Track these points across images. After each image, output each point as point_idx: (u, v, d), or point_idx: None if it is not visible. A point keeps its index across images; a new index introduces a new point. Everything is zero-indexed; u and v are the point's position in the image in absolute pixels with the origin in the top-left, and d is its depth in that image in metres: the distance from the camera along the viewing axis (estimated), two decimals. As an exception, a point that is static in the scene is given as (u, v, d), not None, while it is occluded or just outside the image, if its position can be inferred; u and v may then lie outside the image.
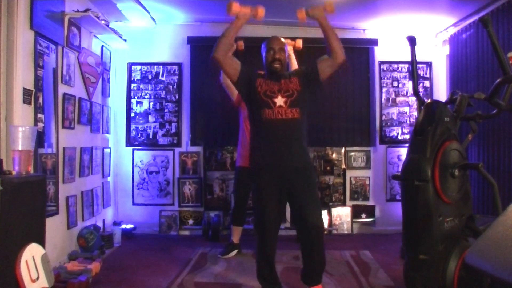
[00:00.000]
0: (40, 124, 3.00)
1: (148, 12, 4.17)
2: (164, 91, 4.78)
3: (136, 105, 4.77)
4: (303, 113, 2.57)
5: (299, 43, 3.47)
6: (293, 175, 2.54)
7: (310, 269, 2.62)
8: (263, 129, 2.57)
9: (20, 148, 2.31)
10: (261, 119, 2.54)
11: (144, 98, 4.78)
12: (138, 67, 4.79)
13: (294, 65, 3.40)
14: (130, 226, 4.48)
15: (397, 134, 4.88)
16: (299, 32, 4.69)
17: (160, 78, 4.78)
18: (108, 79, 4.45)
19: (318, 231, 2.53)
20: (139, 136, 4.77)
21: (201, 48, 4.70)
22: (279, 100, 2.52)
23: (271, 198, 2.57)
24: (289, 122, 2.52)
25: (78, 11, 3.48)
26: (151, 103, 4.77)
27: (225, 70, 2.62)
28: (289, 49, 3.41)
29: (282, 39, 2.72)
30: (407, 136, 4.79)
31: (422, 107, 2.60)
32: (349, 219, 4.75)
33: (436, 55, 4.89)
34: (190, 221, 4.72)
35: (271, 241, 2.63)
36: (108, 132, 4.48)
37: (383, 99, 4.88)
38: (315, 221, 2.51)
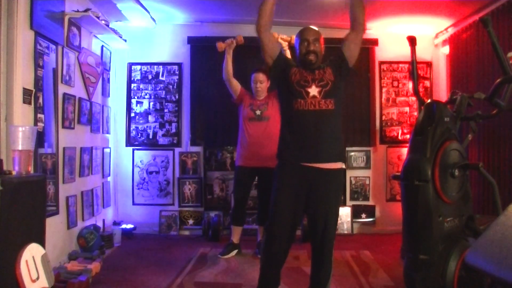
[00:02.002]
0: (40, 124, 3.00)
1: (148, 12, 4.17)
2: (164, 91, 4.78)
3: (136, 105, 4.77)
4: (338, 104, 2.41)
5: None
6: (318, 177, 2.36)
7: (316, 278, 2.48)
8: (294, 121, 2.39)
9: (20, 148, 2.30)
10: (292, 109, 2.38)
11: (144, 98, 4.78)
12: (138, 67, 4.78)
13: None
14: (130, 226, 4.48)
15: (397, 134, 4.88)
16: (299, 32, 4.70)
17: (160, 78, 4.78)
18: (108, 79, 4.45)
19: (330, 244, 2.40)
20: (139, 136, 4.77)
21: (201, 48, 4.71)
22: (313, 90, 2.36)
23: (290, 198, 2.37)
24: (323, 114, 2.35)
25: (78, 11, 3.48)
26: (151, 103, 4.77)
27: (263, 48, 2.44)
28: (285, 46, 3.42)
29: (316, 29, 2.52)
30: (407, 136, 4.78)
31: (422, 107, 2.60)
32: (349, 219, 4.75)
33: (436, 55, 4.89)
34: (190, 221, 4.72)
35: (280, 245, 2.39)
36: (108, 132, 4.47)
37: (383, 99, 4.88)
38: (330, 234, 2.38)
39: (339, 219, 4.61)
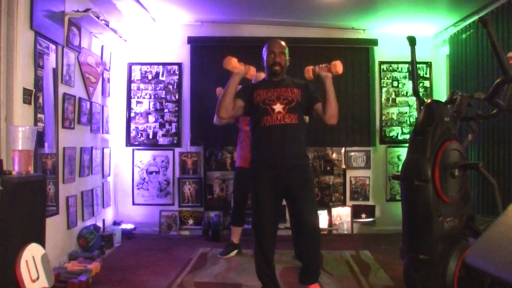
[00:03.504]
0: (40, 124, 3.00)
1: (148, 12, 4.17)
2: (164, 91, 4.78)
3: (136, 105, 4.77)
4: (301, 119, 2.67)
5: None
6: (289, 174, 2.58)
7: (306, 268, 2.67)
8: (263, 134, 2.63)
9: (20, 148, 2.31)
10: (260, 125, 2.62)
11: (144, 98, 4.78)
12: (138, 67, 4.79)
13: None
14: (130, 226, 4.48)
15: (397, 134, 4.88)
16: (299, 32, 4.71)
17: (160, 78, 4.78)
18: (108, 79, 4.45)
19: (313, 230, 2.57)
20: (139, 136, 4.77)
21: (201, 48, 4.71)
22: (278, 107, 2.59)
23: (268, 197, 2.61)
24: (287, 127, 2.59)
25: (78, 11, 3.48)
26: (151, 103, 4.77)
27: (235, 117, 2.88)
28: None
29: (283, 43, 2.74)
30: (407, 136, 4.79)
31: (422, 107, 2.60)
32: (349, 219, 4.76)
33: (436, 55, 4.89)
34: (190, 221, 4.72)
35: (268, 239, 2.64)
36: (108, 132, 4.47)
37: (383, 99, 4.89)
38: (310, 221, 2.55)
39: (339, 219, 4.71)
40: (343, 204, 4.80)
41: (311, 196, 2.65)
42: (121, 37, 4.25)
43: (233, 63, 2.62)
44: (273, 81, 2.70)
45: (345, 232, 4.73)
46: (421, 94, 4.68)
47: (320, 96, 2.67)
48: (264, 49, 2.75)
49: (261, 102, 2.62)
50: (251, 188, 2.73)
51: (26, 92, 2.78)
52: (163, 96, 4.78)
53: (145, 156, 4.76)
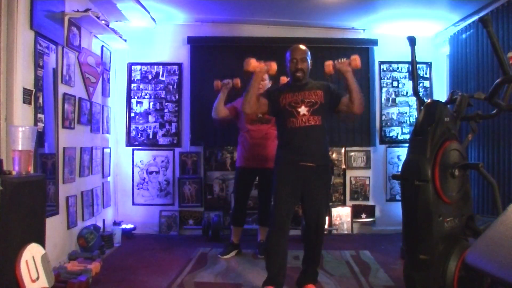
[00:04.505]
0: (40, 124, 3.00)
1: (148, 12, 4.17)
2: (164, 91, 4.78)
3: (136, 105, 4.77)
4: (324, 121, 2.80)
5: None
6: (310, 173, 2.75)
7: (305, 266, 2.84)
8: (289, 136, 2.80)
9: (20, 148, 2.31)
10: (286, 127, 2.79)
11: (144, 98, 4.78)
12: (138, 67, 4.79)
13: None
14: (130, 226, 4.48)
15: (397, 134, 4.88)
16: (299, 32, 4.71)
17: (160, 78, 4.78)
18: (108, 79, 4.45)
19: (318, 227, 2.79)
20: (139, 136, 4.77)
21: (201, 48, 4.71)
22: (303, 109, 2.75)
23: (289, 188, 2.75)
24: (311, 128, 2.75)
25: (78, 11, 3.48)
26: (151, 103, 4.78)
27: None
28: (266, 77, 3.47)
29: (304, 48, 2.85)
30: (407, 136, 4.79)
31: (422, 107, 2.60)
32: (349, 219, 4.76)
33: (436, 55, 4.89)
34: (190, 221, 4.72)
35: (284, 230, 2.75)
36: (108, 132, 4.47)
37: (383, 99, 4.89)
38: (317, 217, 2.77)
39: (339, 219, 4.71)
40: (343, 204, 4.80)
41: (324, 196, 2.87)
42: (121, 37, 4.25)
43: (253, 64, 2.72)
44: (297, 85, 2.83)
45: (345, 232, 4.73)
46: (421, 94, 4.68)
47: (342, 91, 2.80)
48: (287, 55, 2.86)
49: (287, 105, 2.78)
50: (274, 182, 2.83)
51: (26, 92, 2.78)
52: (163, 96, 4.78)
53: (145, 156, 4.76)
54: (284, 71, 2.96)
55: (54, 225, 3.17)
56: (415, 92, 2.92)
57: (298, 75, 2.80)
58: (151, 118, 4.78)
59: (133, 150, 4.76)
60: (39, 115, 2.98)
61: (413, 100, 4.85)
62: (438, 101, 2.63)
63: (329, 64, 2.73)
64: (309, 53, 2.86)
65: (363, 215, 4.81)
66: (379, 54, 4.86)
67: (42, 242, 2.35)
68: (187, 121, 4.76)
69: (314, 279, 2.86)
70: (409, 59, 2.87)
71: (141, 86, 4.78)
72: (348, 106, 2.76)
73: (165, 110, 4.78)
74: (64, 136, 3.41)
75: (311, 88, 2.82)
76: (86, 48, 3.80)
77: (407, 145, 2.62)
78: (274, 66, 2.78)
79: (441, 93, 4.80)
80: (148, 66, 4.78)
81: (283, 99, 2.81)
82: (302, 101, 2.76)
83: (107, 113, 4.41)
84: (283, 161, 2.82)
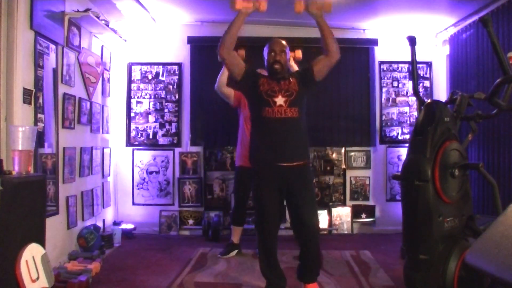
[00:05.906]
0: (40, 124, 3.00)
1: (148, 12, 4.17)
2: (164, 91, 4.78)
3: (136, 105, 4.77)
4: (302, 112, 2.69)
5: (299, 53, 3.54)
6: (290, 174, 2.63)
7: (305, 267, 2.73)
8: (263, 127, 2.67)
9: (20, 148, 2.31)
10: (260, 116, 2.65)
11: (144, 98, 4.78)
12: (138, 67, 4.79)
13: None
14: (130, 226, 4.48)
15: (397, 134, 4.88)
16: (299, 32, 4.70)
17: (160, 78, 4.78)
18: (108, 79, 4.45)
19: (313, 230, 2.64)
20: (139, 136, 4.77)
21: (201, 48, 4.71)
22: (279, 100, 2.62)
23: (271, 196, 2.66)
24: (288, 121, 2.62)
25: (78, 11, 3.48)
26: (151, 103, 4.78)
27: (229, 68, 2.74)
28: (290, 60, 3.41)
29: (283, 42, 2.81)
30: (407, 136, 4.79)
31: (422, 107, 2.60)
32: (349, 219, 4.76)
33: (436, 55, 4.89)
34: (190, 221, 4.72)
35: (272, 237, 2.70)
36: (108, 132, 4.47)
37: (383, 99, 4.89)
38: (310, 220, 2.63)
39: (339, 219, 4.71)
40: (343, 204, 4.80)
41: (311, 196, 2.72)
42: (121, 37, 4.25)
43: (238, 3, 2.53)
44: (274, 78, 2.74)
45: (345, 232, 4.73)
46: (421, 94, 4.68)
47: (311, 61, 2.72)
48: (265, 49, 2.81)
49: (264, 93, 2.65)
50: (252, 186, 2.77)
51: (26, 92, 2.78)
52: (163, 96, 4.78)
53: (145, 156, 4.76)
54: (262, 63, 2.87)
55: (54, 225, 3.17)
56: (415, 92, 2.92)
57: (276, 67, 2.70)
58: (151, 118, 4.78)
59: (133, 150, 4.76)
60: (39, 115, 2.98)
61: (413, 100, 4.85)
62: (438, 101, 2.64)
63: (300, 3, 2.61)
64: (288, 49, 2.81)
65: (363, 215, 4.81)
66: (379, 54, 4.86)
67: (42, 242, 2.35)
68: (187, 121, 4.76)
69: (316, 277, 2.80)
70: (409, 59, 2.87)
71: (141, 86, 4.78)
72: (325, 63, 2.63)
73: (165, 110, 4.78)
74: (64, 136, 3.41)
75: (286, 78, 2.71)
76: (86, 48, 3.80)
77: (407, 145, 2.62)
78: (263, 3, 2.59)
79: (441, 93, 4.80)
80: (148, 66, 4.78)
81: (261, 84, 2.68)
82: (279, 91, 2.63)
83: (107, 113, 4.41)
84: (259, 165, 2.70)
